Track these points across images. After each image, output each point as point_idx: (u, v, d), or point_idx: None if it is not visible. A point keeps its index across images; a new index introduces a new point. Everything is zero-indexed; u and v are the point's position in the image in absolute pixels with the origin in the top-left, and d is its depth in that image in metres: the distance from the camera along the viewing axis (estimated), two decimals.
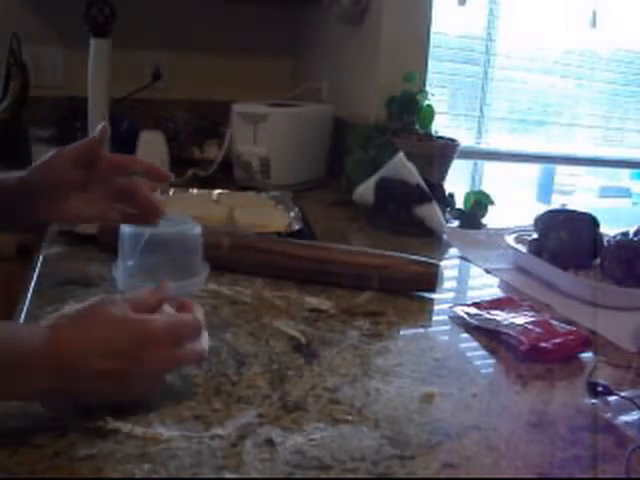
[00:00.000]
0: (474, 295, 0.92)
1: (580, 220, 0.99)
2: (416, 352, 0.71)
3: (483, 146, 2.37)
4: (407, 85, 1.38)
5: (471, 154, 2.26)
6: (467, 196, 1.32)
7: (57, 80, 1.74)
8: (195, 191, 1.27)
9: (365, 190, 1.22)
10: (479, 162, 2.42)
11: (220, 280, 0.87)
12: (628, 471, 0.52)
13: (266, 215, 1.12)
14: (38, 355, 0.49)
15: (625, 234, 0.94)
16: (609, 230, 1.00)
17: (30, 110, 1.52)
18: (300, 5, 1.84)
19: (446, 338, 0.77)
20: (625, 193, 3.85)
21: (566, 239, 0.96)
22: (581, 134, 2.66)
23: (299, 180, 1.46)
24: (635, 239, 0.92)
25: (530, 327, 0.74)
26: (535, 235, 1.02)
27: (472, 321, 0.78)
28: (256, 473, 0.49)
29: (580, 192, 3.59)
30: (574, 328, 0.76)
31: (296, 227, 1.06)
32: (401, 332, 0.77)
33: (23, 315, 0.71)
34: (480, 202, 1.31)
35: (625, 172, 3.64)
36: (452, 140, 1.36)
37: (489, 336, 0.76)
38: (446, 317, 0.82)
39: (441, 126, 1.47)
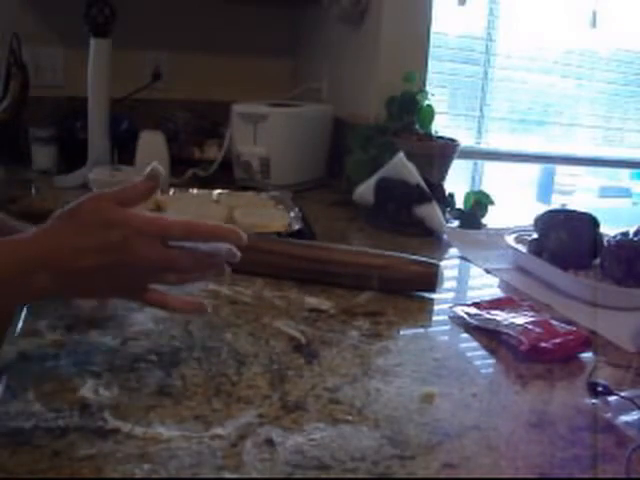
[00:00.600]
0: (474, 295, 0.92)
1: (580, 220, 0.99)
2: (416, 352, 0.71)
3: (483, 146, 2.37)
4: (407, 85, 1.38)
5: (471, 154, 2.27)
6: (467, 196, 1.32)
7: (57, 80, 1.74)
8: (195, 191, 1.27)
9: (365, 190, 1.22)
10: (479, 162, 2.42)
11: (220, 280, 0.87)
12: (628, 471, 0.52)
13: (266, 215, 1.12)
14: (35, 260, 0.55)
15: (625, 234, 0.94)
16: (609, 230, 1.00)
17: (30, 110, 1.52)
18: (300, 5, 1.84)
19: (446, 338, 0.77)
20: (625, 193, 3.85)
21: (566, 239, 0.96)
22: (581, 134, 2.66)
23: (299, 180, 1.46)
24: (635, 239, 0.92)
25: (530, 327, 0.74)
26: (535, 235, 1.02)
27: (472, 321, 0.78)
28: (256, 473, 0.49)
29: (580, 192, 3.59)
30: (574, 328, 0.76)
31: (296, 227, 1.06)
32: (401, 332, 0.77)
33: (23, 315, 0.71)
34: (480, 202, 1.31)
35: (625, 172, 3.64)
36: (452, 140, 1.36)
37: (489, 336, 0.76)
38: (446, 317, 0.82)
39: (441, 126, 1.47)
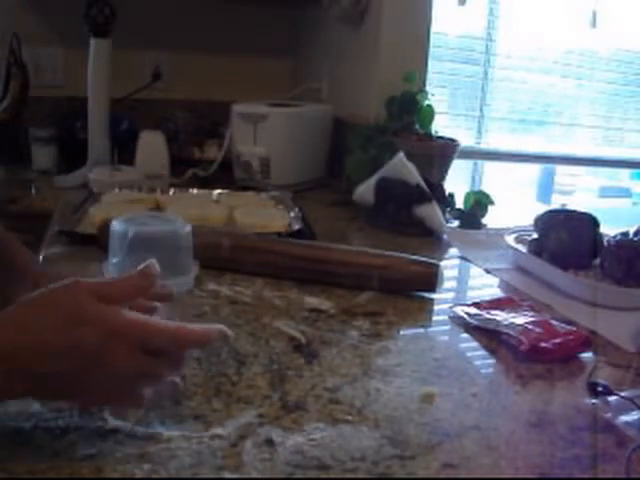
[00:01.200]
0: (474, 295, 0.92)
1: (580, 220, 0.99)
2: (416, 352, 0.71)
3: (483, 146, 2.37)
4: (407, 85, 1.38)
5: (471, 154, 2.26)
6: (467, 196, 1.32)
7: (57, 80, 1.74)
8: (195, 191, 1.27)
9: (365, 190, 1.22)
10: (479, 162, 2.42)
11: (220, 280, 0.87)
12: (628, 471, 0.52)
13: (266, 215, 1.12)
14: None
15: (625, 234, 0.94)
16: (609, 230, 0.99)
17: (30, 110, 1.52)
18: (300, 5, 1.84)
19: (446, 338, 0.77)
20: (625, 193, 3.84)
21: (566, 239, 0.96)
22: (581, 134, 2.66)
23: (299, 180, 1.46)
24: (635, 239, 0.92)
25: (530, 327, 0.74)
26: (535, 235, 1.02)
27: (472, 321, 0.78)
28: (256, 473, 0.49)
29: (580, 192, 3.58)
30: (574, 328, 0.76)
31: (296, 227, 1.06)
32: (401, 332, 0.77)
33: None
34: (480, 202, 1.31)
35: (625, 172, 3.63)
36: (452, 140, 1.36)
37: (489, 336, 0.76)
38: (446, 317, 0.82)
39: (441, 126, 1.47)
